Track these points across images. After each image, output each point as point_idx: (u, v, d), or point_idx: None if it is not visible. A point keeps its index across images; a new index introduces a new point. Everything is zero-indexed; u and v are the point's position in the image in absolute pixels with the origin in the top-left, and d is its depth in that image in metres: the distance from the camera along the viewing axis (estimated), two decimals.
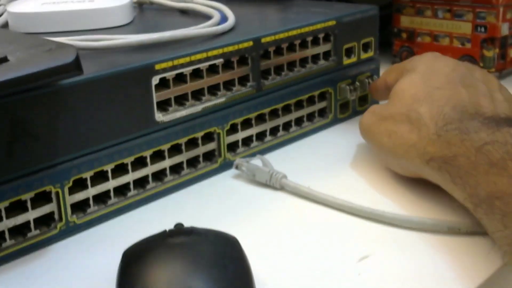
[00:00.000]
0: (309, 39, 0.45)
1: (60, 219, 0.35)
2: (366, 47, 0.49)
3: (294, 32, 0.44)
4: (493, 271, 0.30)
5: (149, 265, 0.26)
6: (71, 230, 0.35)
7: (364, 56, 0.49)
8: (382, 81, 0.45)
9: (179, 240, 0.28)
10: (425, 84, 0.38)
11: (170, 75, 0.38)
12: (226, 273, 0.26)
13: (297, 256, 0.32)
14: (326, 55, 0.47)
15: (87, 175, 0.35)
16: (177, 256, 0.26)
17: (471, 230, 0.33)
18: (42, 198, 0.34)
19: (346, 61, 0.48)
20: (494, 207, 0.29)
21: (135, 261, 0.27)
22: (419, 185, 0.38)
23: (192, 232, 0.28)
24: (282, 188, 0.39)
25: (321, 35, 0.46)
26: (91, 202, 0.36)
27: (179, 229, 0.29)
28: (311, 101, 0.47)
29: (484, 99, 0.36)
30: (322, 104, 0.48)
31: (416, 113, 0.36)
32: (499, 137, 0.31)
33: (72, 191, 0.35)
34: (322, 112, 0.48)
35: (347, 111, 0.50)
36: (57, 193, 0.34)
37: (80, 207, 0.36)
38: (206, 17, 0.47)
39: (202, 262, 0.26)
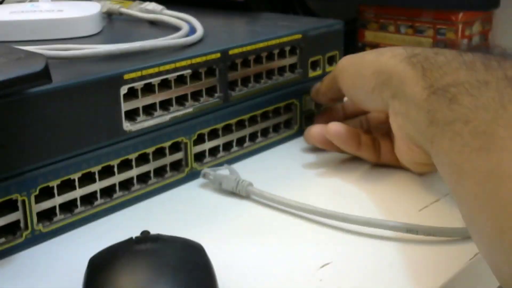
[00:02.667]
0: (276, 51, 0.46)
1: (26, 227, 0.35)
2: (331, 61, 0.51)
3: (261, 45, 0.45)
4: (453, 274, 0.31)
5: (115, 271, 0.27)
6: (37, 238, 0.35)
7: (329, 69, 0.50)
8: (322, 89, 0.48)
9: (145, 247, 0.28)
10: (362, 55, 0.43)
11: (138, 85, 0.38)
12: (191, 279, 0.26)
13: (261, 263, 0.33)
14: (292, 67, 0.48)
15: (54, 183, 0.35)
16: (143, 262, 0.27)
17: (428, 232, 0.34)
18: (8, 206, 0.34)
19: (312, 73, 0.49)
20: (447, 92, 0.33)
21: (101, 268, 0.27)
22: (385, 191, 0.40)
23: (158, 239, 0.29)
24: (248, 196, 0.40)
25: (287, 48, 0.47)
26: (57, 210, 0.36)
27: (145, 236, 0.29)
28: (277, 112, 0.48)
29: None
30: (288, 116, 0.49)
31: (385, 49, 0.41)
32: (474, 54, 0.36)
33: (38, 199, 0.35)
34: (287, 123, 0.49)
35: (312, 123, 0.51)
36: (23, 202, 0.34)
37: (46, 215, 0.36)
38: (175, 28, 0.47)
39: (168, 268, 0.27)
